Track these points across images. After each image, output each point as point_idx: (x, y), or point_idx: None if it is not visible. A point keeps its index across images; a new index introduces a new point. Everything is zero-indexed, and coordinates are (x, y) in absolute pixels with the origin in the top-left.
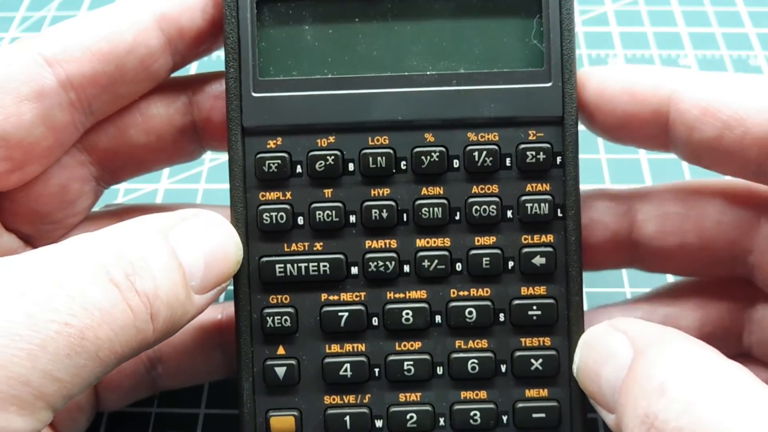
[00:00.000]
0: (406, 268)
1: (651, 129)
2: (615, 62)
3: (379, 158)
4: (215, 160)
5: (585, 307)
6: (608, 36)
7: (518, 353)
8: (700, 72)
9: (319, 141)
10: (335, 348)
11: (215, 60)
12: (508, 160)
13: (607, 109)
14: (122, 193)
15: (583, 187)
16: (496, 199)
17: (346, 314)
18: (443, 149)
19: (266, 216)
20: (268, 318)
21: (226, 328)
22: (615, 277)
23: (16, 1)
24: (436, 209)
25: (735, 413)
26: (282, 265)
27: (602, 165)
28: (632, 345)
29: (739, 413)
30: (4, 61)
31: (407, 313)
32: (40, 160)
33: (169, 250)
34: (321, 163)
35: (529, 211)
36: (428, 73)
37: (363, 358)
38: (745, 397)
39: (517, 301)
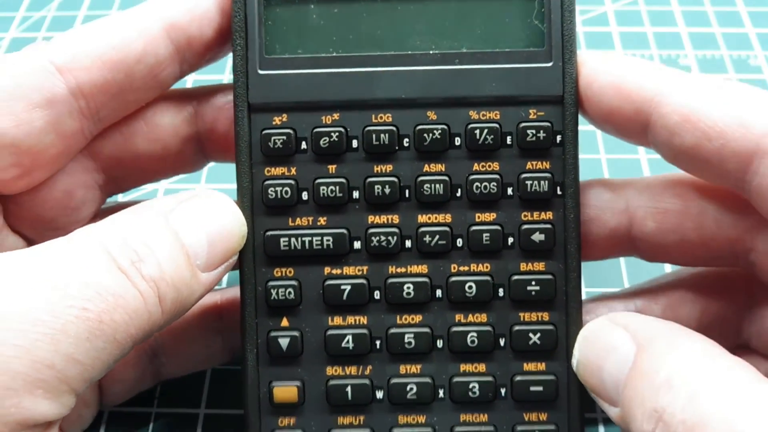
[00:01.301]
0: (408, 243)
1: (633, 126)
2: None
3: (382, 135)
4: None
5: (583, 296)
6: (608, 36)
7: (517, 327)
8: (687, 76)
9: (323, 118)
10: (338, 320)
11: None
12: (508, 138)
13: (594, 100)
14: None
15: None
16: (497, 176)
17: (349, 288)
18: (445, 127)
19: (271, 191)
20: (272, 291)
21: (226, 313)
22: (615, 278)
23: (16, 1)
24: (437, 186)
25: (738, 408)
26: (286, 239)
27: (602, 165)
28: (634, 340)
29: (742, 408)
30: (15, 68)
31: (408, 287)
32: (48, 166)
33: (171, 233)
34: (325, 140)
35: (528, 189)
36: (431, 52)
37: (365, 331)
38: (748, 393)
39: (516, 277)
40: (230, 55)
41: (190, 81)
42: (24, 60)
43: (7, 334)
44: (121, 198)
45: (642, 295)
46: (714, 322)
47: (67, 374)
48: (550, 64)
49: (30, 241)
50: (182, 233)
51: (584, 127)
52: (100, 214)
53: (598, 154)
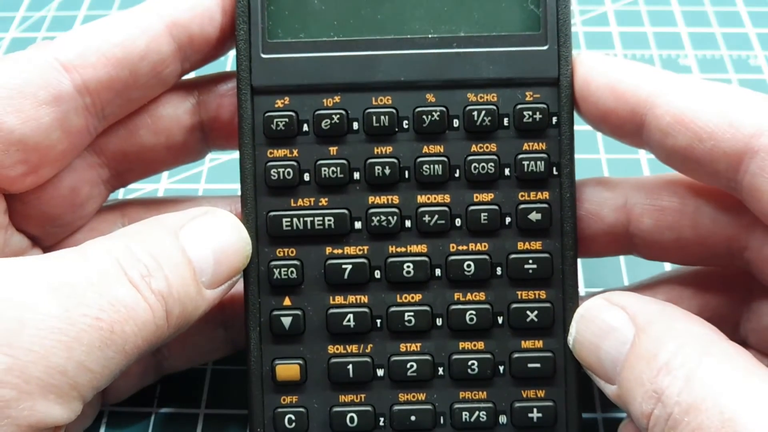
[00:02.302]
0: (408, 223)
1: (628, 127)
2: None
3: (382, 117)
4: (215, 160)
5: (581, 284)
6: (608, 36)
7: (514, 305)
8: (682, 77)
9: (325, 100)
10: (339, 299)
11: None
12: (506, 120)
13: (591, 101)
14: (122, 192)
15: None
16: (494, 157)
17: (350, 267)
18: (444, 109)
19: (274, 172)
20: (274, 270)
21: (228, 305)
22: (615, 277)
23: (16, 1)
24: (436, 167)
25: (732, 394)
26: (288, 220)
27: (602, 165)
28: (632, 321)
29: (735, 394)
30: (21, 65)
31: (408, 267)
32: (55, 164)
33: (179, 249)
34: (327, 122)
35: (525, 169)
36: (430, 35)
37: (365, 309)
38: (742, 379)
39: (513, 256)
40: (230, 54)
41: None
42: (30, 58)
43: (26, 339)
44: (122, 194)
45: (641, 291)
46: (712, 319)
47: (78, 381)
48: (545, 48)
49: (34, 240)
50: (190, 250)
51: (584, 127)
52: (104, 209)
53: (598, 154)
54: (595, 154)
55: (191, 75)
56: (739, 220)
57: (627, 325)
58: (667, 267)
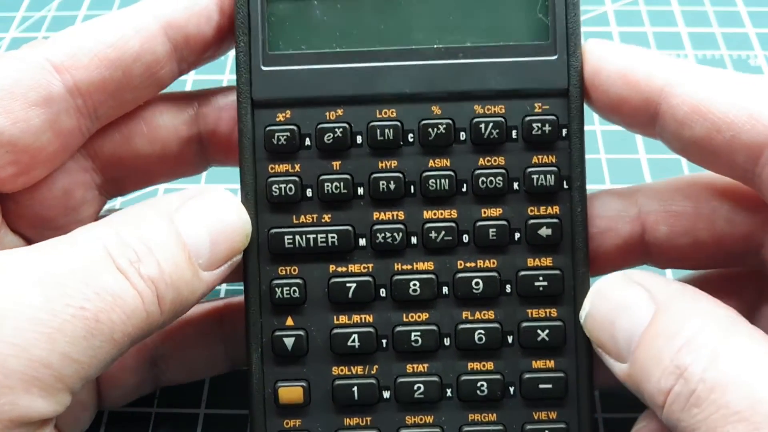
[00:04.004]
0: (414, 240)
1: (641, 116)
2: None
3: (386, 130)
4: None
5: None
6: (608, 36)
7: (525, 324)
8: (697, 66)
9: (327, 114)
10: (343, 319)
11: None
12: (514, 132)
13: (602, 90)
14: (120, 202)
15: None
16: (503, 170)
17: (354, 285)
18: (450, 121)
19: (275, 188)
20: (276, 289)
21: (228, 321)
22: None
23: (16, 1)
24: (443, 181)
25: (759, 373)
26: (291, 237)
27: (602, 165)
28: (652, 299)
29: (763, 374)
30: (12, 66)
31: (414, 284)
32: (46, 165)
33: (172, 232)
34: (329, 136)
35: (535, 183)
36: (435, 46)
37: (370, 329)
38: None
39: (523, 272)
40: (230, 54)
41: (190, 80)
42: (21, 58)
43: (5, 332)
44: (121, 200)
45: None
46: None
47: (63, 373)
48: (554, 57)
49: (30, 242)
50: (184, 232)
51: (585, 126)
52: (101, 217)
53: (598, 154)
54: (595, 154)
55: (193, 74)
56: (755, 218)
57: (646, 302)
58: (669, 274)
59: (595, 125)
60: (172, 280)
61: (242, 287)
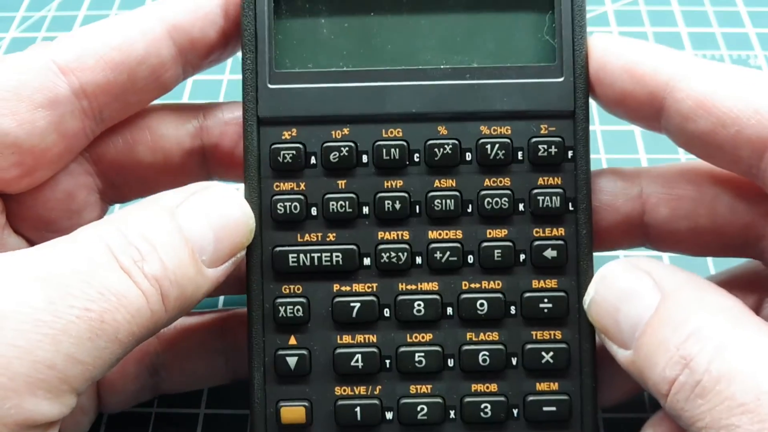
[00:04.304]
0: (419, 260)
1: (646, 110)
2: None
3: (392, 150)
4: None
5: None
6: None
7: (529, 346)
8: (702, 61)
9: (333, 132)
10: (347, 339)
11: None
12: (520, 154)
13: (607, 84)
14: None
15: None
16: (508, 191)
17: (358, 305)
18: (456, 142)
19: (280, 206)
20: (280, 308)
21: (230, 333)
22: None
23: (16, 1)
24: (448, 201)
25: (765, 364)
26: (295, 255)
27: (602, 165)
28: (658, 287)
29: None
30: (18, 67)
31: (419, 305)
32: (50, 166)
33: (174, 229)
34: (335, 154)
35: (540, 204)
36: (442, 66)
37: (374, 349)
38: None
39: (528, 294)
40: (232, 59)
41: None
42: (27, 60)
43: (8, 334)
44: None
45: None
46: None
47: (69, 374)
48: (561, 79)
49: (32, 244)
50: (187, 228)
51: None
52: None
53: (598, 154)
54: (595, 154)
55: (191, 79)
56: (757, 208)
57: (652, 290)
58: (665, 259)
59: (595, 125)
60: (176, 277)
61: (241, 298)
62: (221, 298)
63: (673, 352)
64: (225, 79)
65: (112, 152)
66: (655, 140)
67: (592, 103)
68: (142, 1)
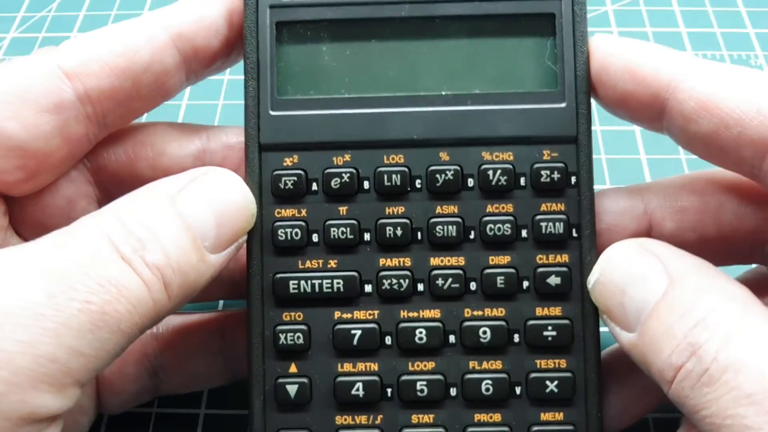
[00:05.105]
0: (420, 287)
1: (648, 111)
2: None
3: (394, 176)
4: None
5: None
6: None
7: (533, 375)
8: (704, 61)
9: (335, 159)
10: (347, 367)
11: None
12: (522, 180)
13: (609, 85)
14: None
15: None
16: (511, 218)
17: (359, 332)
18: (458, 168)
19: (281, 232)
20: (280, 335)
21: (229, 334)
22: None
23: (16, 1)
24: (450, 227)
25: None
26: (296, 282)
27: (602, 165)
28: (665, 271)
29: None
30: (24, 72)
31: (421, 332)
32: (53, 170)
33: (175, 216)
34: (336, 181)
35: (543, 231)
36: (443, 93)
37: (375, 378)
38: None
39: (532, 322)
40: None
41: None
42: (33, 64)
43: (10, 329)
44: None
45: None
46: None
47: (72, 367)
48: (563, 105)
49: None
50: (188, 215)
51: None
52: None
53: (598, 154)
54: (595, 155)
55: (197, 83)
56: (762, 213)
57: (659, 274)
58: None
59: (595, 125)
60: (178, 265)
61: (241, 302)
62: (220, 303)
63: (680, 339)
64: (225, 79)
65: (113, 165)
66: (655, 140)
67: (593, 101)
68: (142, 2)
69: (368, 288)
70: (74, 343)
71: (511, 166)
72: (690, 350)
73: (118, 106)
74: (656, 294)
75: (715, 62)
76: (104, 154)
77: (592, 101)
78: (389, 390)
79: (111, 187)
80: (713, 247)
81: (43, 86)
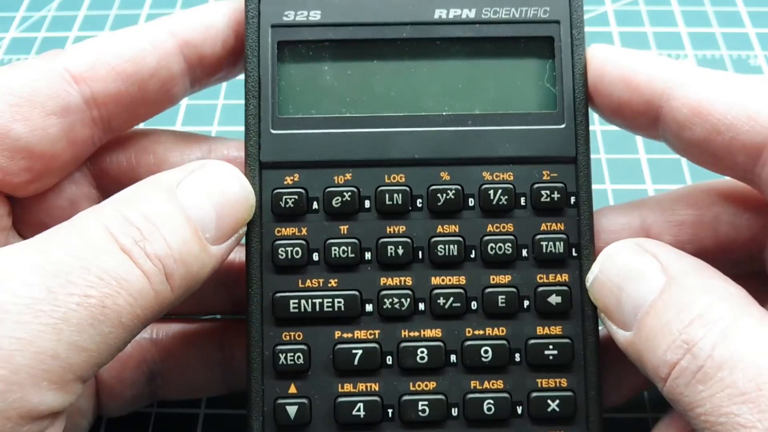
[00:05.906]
0: (421, 306)
1: (643, 119)
2: None
3: (395, 195)
4: None
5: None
6: (608, 36)
7: (535, 394)
8: (697, 69)
9: (336, 177)
10: (348, 387)
11: None
12: (522, 199)
13: (605, 93)
14: None
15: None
16: (511, 237)
17: (360, 352)
18: (459, 187)
19: (282, 251)
20: (280, 355)
21: (227, 346)
22: None
23: (16, 1)
24: (451, 247)
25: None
26: (296, 301)
27: (602, 165)
28: (664, 270)
29: None
30: (32, 74)
31: (422, 352)
32: (58, 172)
33: (176, 207)
34: (337, 200)
35: (543, 250)
36: (444, 113)
37: (376, 398)
38: None
39: (533, 341)
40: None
41: None
42: (41, 67)
43: (9, 326)
44: None
45: None
46: None
47: (73, 362)
48: (562, 126)
49: None
50: (188, 206)
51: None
52: None
53: (598, 154)
54: (595, 155)
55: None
56: (758, 220)
57: (657, 273)
58: None
59: (595, 125)
60: (180, 255)
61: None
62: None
63: (676, 336)
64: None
65: (115, 169)
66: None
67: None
68: (142, 2)
69: (369, 307)
70: (74, 338)
71: (511, 186)
72: (685, 347)
73: (123, 110)
74: (653, 292)
75: (708, 69)
76: (107, 158)
77: (591, 111)
78: (390, 411)
79: (112, 190)
80: (712, 258)
81: (50, 89)
